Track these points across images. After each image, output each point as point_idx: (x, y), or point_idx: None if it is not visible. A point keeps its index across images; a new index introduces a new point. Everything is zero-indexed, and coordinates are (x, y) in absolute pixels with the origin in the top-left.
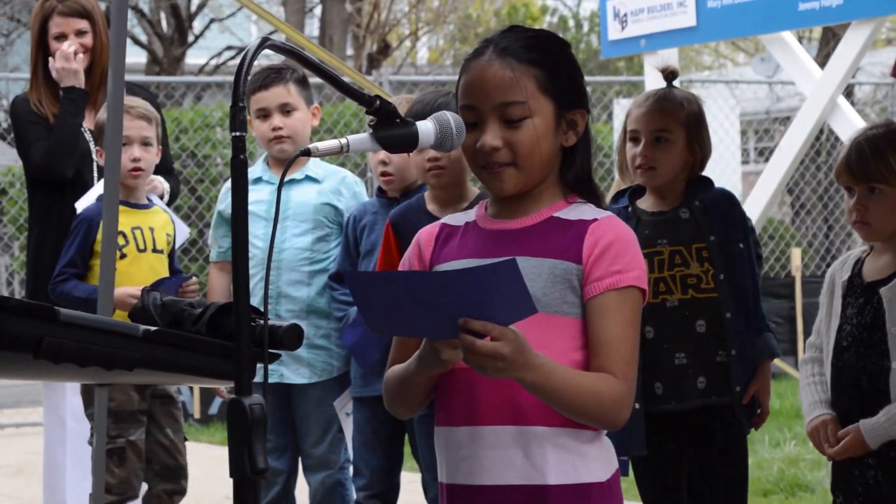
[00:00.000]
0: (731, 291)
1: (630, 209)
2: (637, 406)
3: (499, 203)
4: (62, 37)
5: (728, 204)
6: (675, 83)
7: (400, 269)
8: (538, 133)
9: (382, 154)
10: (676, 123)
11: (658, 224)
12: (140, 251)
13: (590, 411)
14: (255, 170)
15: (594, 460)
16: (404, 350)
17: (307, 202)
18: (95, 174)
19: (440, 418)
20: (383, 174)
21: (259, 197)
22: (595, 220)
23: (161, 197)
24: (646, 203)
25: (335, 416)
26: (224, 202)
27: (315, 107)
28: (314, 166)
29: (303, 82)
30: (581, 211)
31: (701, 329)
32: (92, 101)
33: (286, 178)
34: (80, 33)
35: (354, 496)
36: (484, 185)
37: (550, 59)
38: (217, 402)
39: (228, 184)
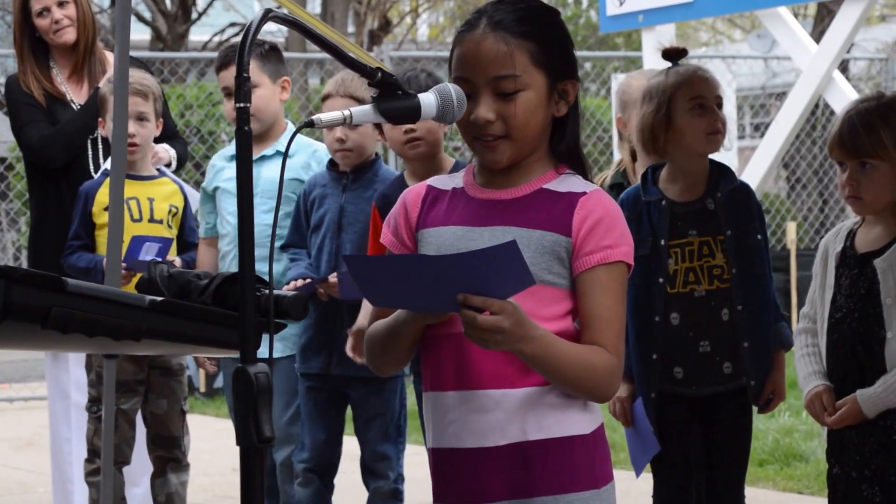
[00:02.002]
0: (747, 283)
1: (665, 202)
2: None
3: (488, 172)
4: (45, 11)
5: (745, 196)
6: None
7: (384, 227)
8: (531, 106)
9: (339, 131)
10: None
11: (689, 215)
12: (134, 221)
13: (584, 383)
14: (230, 148)
15: (576, 415)
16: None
17: (275, 178)
18: (90, 156)
19: (429, 384)
20: (340, 150)
21: (233, 174)
22: (584, 193)
23: (168, 165)
24: (672, 192)
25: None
26: (206, 179)
27: (285, 79)
28: (286, 140)
29: (266, 57)
30: (570, 183)
31: (725, 317)
32: (79, 71)
33: (257, 155)
34: (61, 4)
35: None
36: (477, 156)
37: (543, 32)
38: (222, 375)
39: (212, 161)
